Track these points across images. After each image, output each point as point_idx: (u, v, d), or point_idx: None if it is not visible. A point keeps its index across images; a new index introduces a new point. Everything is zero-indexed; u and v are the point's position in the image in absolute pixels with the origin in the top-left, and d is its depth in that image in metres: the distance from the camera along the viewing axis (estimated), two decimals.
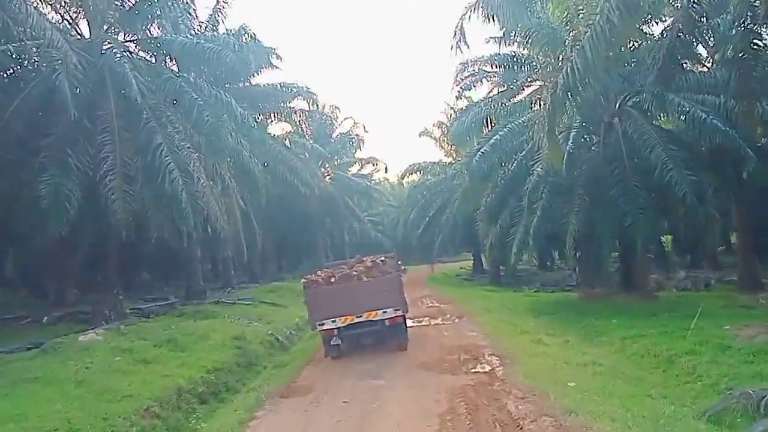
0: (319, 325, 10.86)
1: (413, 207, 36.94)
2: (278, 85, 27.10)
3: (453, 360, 10.67)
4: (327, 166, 44.41)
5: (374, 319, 10.83)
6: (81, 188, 14.09)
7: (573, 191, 16.91)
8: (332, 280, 11.38)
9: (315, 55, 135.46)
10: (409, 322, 12.49)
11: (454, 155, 36.33)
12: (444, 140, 37.46)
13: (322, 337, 11.27)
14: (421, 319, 16.84)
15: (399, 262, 13.06)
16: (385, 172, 52.24)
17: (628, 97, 17.44)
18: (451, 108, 34.03)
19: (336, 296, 10.92)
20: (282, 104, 28.32)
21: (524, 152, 18.23)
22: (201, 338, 13.00)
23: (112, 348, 11.22)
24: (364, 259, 12.56)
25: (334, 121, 44.73)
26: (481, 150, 18.26)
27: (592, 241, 16.89)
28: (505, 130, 18.27)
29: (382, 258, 12.57)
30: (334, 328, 10.77)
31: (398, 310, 10.86)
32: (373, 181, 50.51)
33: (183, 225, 15.69)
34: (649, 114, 16.63)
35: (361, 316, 10.76)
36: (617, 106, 17.63)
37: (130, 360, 10.64)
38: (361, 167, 50.25)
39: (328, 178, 44.88)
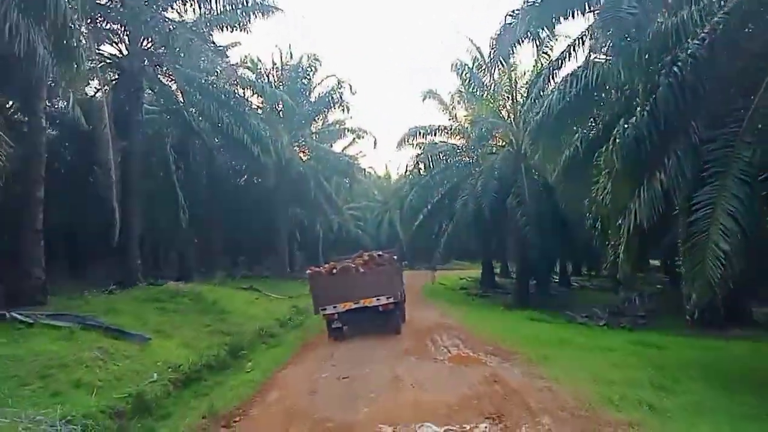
0: (322, 310, 12.25)
1: (413, 187, 25.60)
2: None
3: None
4: (300, 135, 33.57)
5: (370, 305, 12.18)
6: None
7: None
8: (333, 271, 12.83)
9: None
10: None
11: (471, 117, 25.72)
12: (460, 100, 26.67)
13: (325, 320, 12.52)
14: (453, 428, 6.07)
15: (395, 257, 14.19)
16: (374, 147, 43.30)
17: None
18: (477, 48, 23.73)
19: (337, 285, 12.34)
20: None
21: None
22: None
23: None
24: (364, 253, 14.05)
25: (311, 78, 33.80)
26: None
27: None
28: None
29: (379, 253, 14.19)
30: (335, 313, 12.16)
31: (390, 298, 12.24)
32: (357, 162, 39.60)
33: None
34: None
35: (358, 303, 12.11)
36: None
37: None
38: (349, 145, 39.67)
39: (299, 150, 34.01)
